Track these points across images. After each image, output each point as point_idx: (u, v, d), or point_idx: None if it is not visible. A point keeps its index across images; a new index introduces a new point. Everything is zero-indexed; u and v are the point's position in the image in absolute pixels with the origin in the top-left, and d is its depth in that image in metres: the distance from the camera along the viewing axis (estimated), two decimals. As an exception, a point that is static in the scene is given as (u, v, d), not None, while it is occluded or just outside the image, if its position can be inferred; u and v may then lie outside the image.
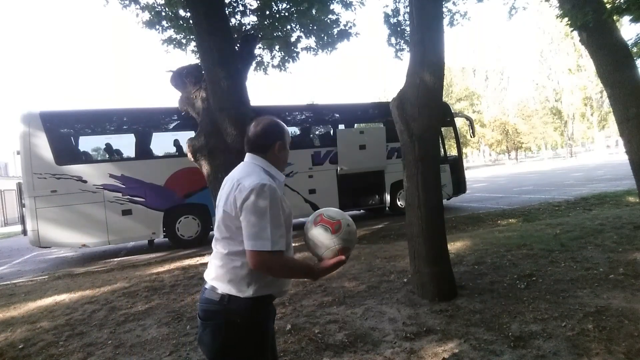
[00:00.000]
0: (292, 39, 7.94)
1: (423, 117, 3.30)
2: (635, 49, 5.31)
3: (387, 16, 7.31)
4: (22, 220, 7.46)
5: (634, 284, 3.12)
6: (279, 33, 7.63)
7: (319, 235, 1.43)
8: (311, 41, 8.02)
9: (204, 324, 1.36)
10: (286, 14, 7.43)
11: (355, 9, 7.75)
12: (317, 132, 11.04)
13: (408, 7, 4.54)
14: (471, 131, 11.72)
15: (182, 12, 7.23)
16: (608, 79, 5.11)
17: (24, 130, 6.98)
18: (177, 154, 8.23)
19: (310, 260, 1.50)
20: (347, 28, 7.85)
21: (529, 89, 50.77)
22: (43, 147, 7.03)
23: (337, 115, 10.10)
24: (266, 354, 1.39)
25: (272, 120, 1.57)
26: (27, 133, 6.98)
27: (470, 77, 51.40)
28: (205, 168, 5.80)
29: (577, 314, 2.68)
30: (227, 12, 6.65)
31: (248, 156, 1.49)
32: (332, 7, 7.58)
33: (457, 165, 10.40)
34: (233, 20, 7.22)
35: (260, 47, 7.93)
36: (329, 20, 7.74)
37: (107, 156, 8.01)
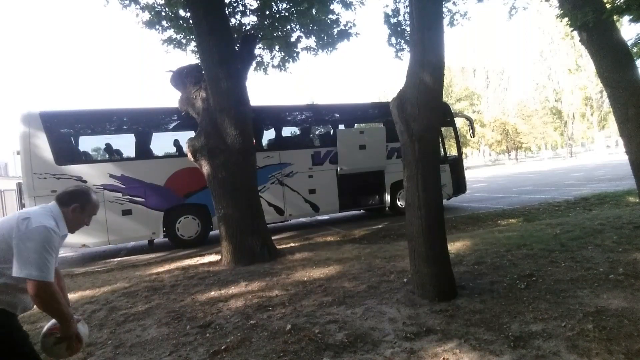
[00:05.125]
0: (292, 39, 7.94)
1: (423, 117, 3.30)
2: (635, 49, 5.31)
3: (387, 16, 7.32)
4: (22, 220, 7.44)
5: (634, 284, 3.12)
6: (279, 33, 7.64)
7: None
8: (311, 41, 8.03)
9: None
10: (286, 14, 7.43)
11: (355, 9, 7.76)
12: (317, 132, 11.05)
13: (408, 7, 4.55)
14: (471, 131, 11.72)
15: (182, 12, 7.23)
16: (608, 79, 5.11)
17: (24, 130, 6.97)
18: (177, 154, 8.23)
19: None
20: (347, 28, 7.85)
21: (529, 89, 50.96)
22: (43, 147, 7.03)
23: (337, 115, 10.10)
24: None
25: (83, 188, 1.87)
26: (27, 133, 6.97)
27: (470, 77, 51.44)
28: (205, 168, 5.81)
29: (577, 314, 2.68)
30: (227, 12, 6.66)
31: (52, 203, 1.77)
32: (332, 7, 7.58)
33: (457, 165, 10.39)
34: (233, 20, 7.23)
35: (260, 47, 7.93)
36: (329, 20, 7.74)
37: (107, 156, 8.00)
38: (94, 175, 7.30)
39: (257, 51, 7.41)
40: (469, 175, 13.21)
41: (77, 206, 1.77)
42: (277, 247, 6.20)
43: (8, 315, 1.66)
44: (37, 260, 1.54)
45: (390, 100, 3.67)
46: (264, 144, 9.07)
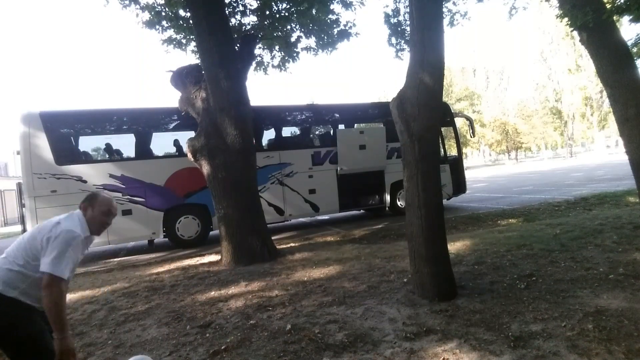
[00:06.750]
0: (292, 39, 7.93)
1: (423, 117, 3.30)
2: (635, 49, 5.31)
3: (387, 16, 7.31)
4: (22, 220, 7.45)
5: (634, 284, 3.12)
6: (279, 33, 7.63)
7: None
8: (311, 41, 8.02)
9: None
10: (286, 14, 7.43)
11: (355, 9, 7.75)
12: (317, 132, 11.05)
13: (408, 7, 4.54)
14: (471, 131, 11.72)
15: (182, 12, 7.23)
16: (608, 79, 5.11)
17: (24, 130, 6.97)
18: (177, 154, 8.23)
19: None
20: (347, 28, 7.85)
21: (529, 89, 50.92)
22: (43, 147, 7.03)
23: (337, 115, 10.10)
24: None
25: (93, 191, 2.07)
26: (27, 133, 6.97)
27: (470, 77, 51.35)
28: (205, 168, 5.81)
29: (577, 314, 2.68)
30: (227, 12, 6.65)
31: (77, 210, 2.00)
32: (332, 7, 7.58)
33: (457, 165, 10.39)
34: (233, 20, 7.22)
35: (260, 47, 7.92)
36: (329, 20, 7.73)
37: (107, 156, 8.00)
38: (94, 175, 7.30)
39: (257, 51, 7.41)
40: (469, 175, 13.21)
41: (86, 205, 1.99)
42: (277, 247, 6.20)
43: (31, 309, 1.82)
44: (57, 257, 1.74)
45: (390, 100, 3.67)
46: (264, 144, 9.07)
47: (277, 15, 7.38)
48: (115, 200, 2.12)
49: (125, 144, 8.00)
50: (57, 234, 1.79)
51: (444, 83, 3.84)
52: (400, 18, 7.30)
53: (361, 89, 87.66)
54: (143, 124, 8.17)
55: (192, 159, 5.96)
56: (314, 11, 7.33)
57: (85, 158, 7.78)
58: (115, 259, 7.37)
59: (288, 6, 7.40)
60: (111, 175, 7.39)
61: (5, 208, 23.50)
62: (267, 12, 7.31)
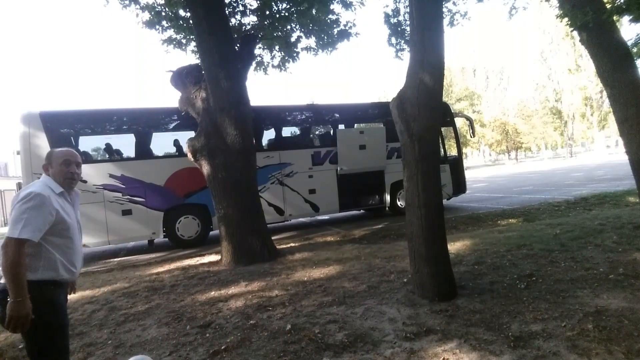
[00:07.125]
0: (292, 39, 7.93)
1: (423, 117, 3.30)
2: (635, 49, 5.32)
3: (387, 16, 7.31)
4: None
5: (634, 284, 3.12)
6: (279, 33, 7.63)
7: None
8: (311, 41, 8.02)
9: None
10: (286, 14, 7.43)
11: (355, 9, 7.75)
12: (317, 132, 11.05)
13: (408, 7, 4.55)
14: (471, 131, 11.71)
15: (182, 12, 7.23)
16: (608, 79, 5.11)
17: (24, 130, 6.97)
18: (177, 154, 8.23)
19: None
20: (347, 28, 7.85)
21: (529, 89, 50.96)
22: (43, 147, 7.02)
23: (337, 115, 10.10)
24: None
25: (50, 150, 2.14)
26: (27, 133, 6.97)
27: (470, 77, 51.34)
28: (205, 168, 5.81)
29: (577, 314, 2.68)
30: (227, 12, 6.66)
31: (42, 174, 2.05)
32: (332, 7, 7.58)
33: (457, 165, 10.39)
34: (233, 20, 7.22)
35: (260, 47, 7.93)
36: (329, 20, 7.74)
37: (107, 156, 8.00)
38: (94, 175, 7.30)
39: (257, 51, 7.41)
40: (469, 175, 13.21)
41: (46, 165, 2.05)
42: (277, 247, 6.20)
43: (58, 285, 1.93)
44: (14, 221, 1.75)
45: (390, 100, 3.67)
46: (264, 144, 9.07)
47: (277, 15, 7.38)
48: (74, 150, 2.14)
49: (125, 144, 8.00)
50: (17, 201, 1.82)
51: (444, 83, 3.85)
52: (400, 18, 7.30)
53: (361, 89, 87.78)
54: (143, 124, 8.17)
55: (192, 159, 5.96)
56: (314, 11, 7.33)
57: (85, 158, 7.77)
58: (115, 259, 7.37)
59: (288, 6, 7.40)
60: (111, 175, 7.39)
61: (5, 208, 23.51)
62: (267, 12, 7.31)
